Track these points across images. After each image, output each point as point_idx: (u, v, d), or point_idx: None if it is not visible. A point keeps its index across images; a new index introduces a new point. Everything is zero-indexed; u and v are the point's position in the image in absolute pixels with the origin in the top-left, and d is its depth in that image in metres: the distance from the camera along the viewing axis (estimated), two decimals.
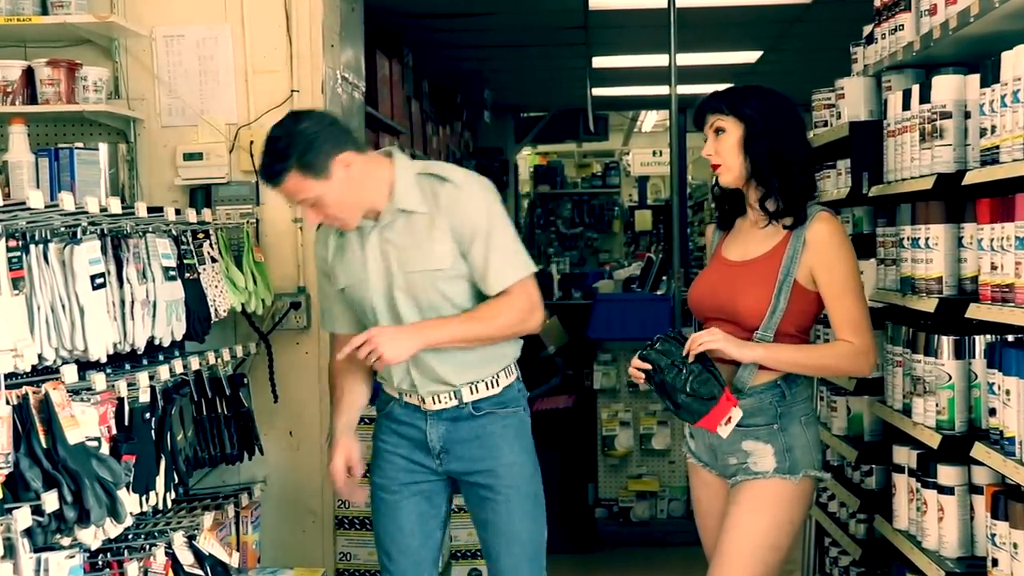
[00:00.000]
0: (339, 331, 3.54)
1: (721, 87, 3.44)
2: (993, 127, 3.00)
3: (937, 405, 3.38)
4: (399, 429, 3.48)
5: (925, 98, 3.45)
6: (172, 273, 3.67)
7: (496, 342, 3.39)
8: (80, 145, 4.09)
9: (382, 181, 3.33)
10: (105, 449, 3.11)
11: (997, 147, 2.97)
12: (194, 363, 3.85)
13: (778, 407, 3.30)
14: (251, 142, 4.48)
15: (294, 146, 3.19)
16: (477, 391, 3.43)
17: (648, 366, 3.25)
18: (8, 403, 2.78)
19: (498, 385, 3.45)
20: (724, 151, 3.33)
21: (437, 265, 3.32)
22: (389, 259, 3.35)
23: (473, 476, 3.46)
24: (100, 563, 3.39)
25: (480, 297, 3.38)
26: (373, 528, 3.56)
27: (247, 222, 4.40)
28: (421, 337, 3.29)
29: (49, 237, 3.13)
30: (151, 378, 3.49)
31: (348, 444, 3.49)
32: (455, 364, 3.38)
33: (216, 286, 4.02)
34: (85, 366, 3.27)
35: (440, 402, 3.42)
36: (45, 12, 4.22)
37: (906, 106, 3.62)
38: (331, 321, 3.57)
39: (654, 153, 15.89)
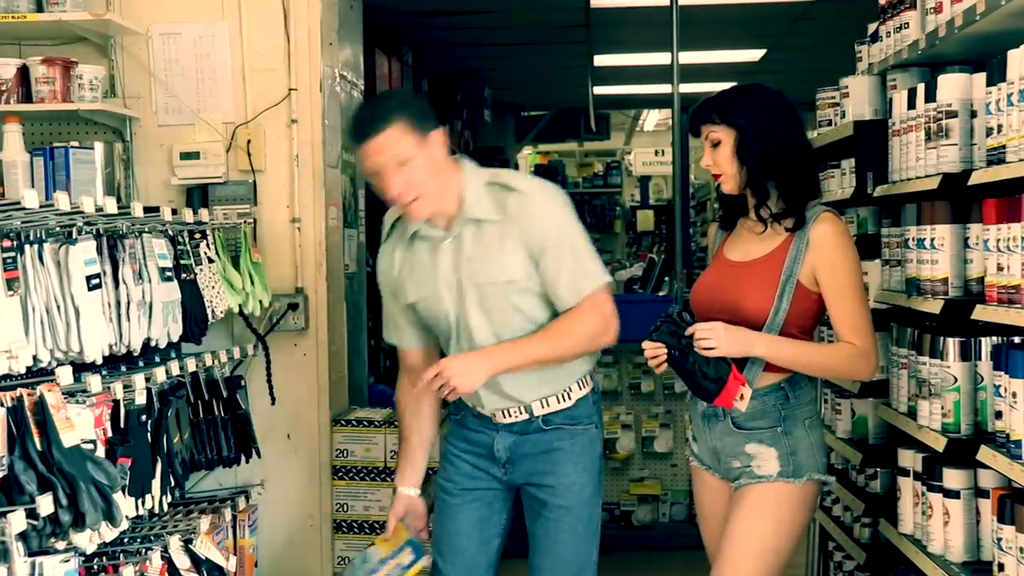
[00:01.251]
0: (404, 346, 3.50)
1: (724, 86, 3.43)
2: (999, 126, 3.00)
3: (943, 408, 3.37)
4: (469, 436, 3.47)
5: (930, 97, 3.45)
6: (168, 274, 3.67)
7: (569, 361, 3.35)
8: (75, 144, 4.10)
9: (452, 187, 3.27)
10: (100, 452, 3.11)
11: (1003, 146, 2.97)
12: (191, 365, 3.85)
13: (782, 410, 3.30)
14: (248, 141, 4.49)
15: (403, 101, 3.27)
16: (548, 405, 3.39)
17: (663, 347, 3.24)
18: (2, 405, 2.78)
19: (570, 398, 3.41)
20: (721, 161, 3.32)
21: (509, 276, 3.27)
22: (460, 271, 3.29)
23: (533, 488, 3.44)
24: (95, 567, 3.39)
25: (552, 308, 3.33)
26: (433, 527, 3.57)
27: (244, 222, 4.40)
28: (492, 364, 3.26)
29: (44, 237, 3.13)
30: (147, 380, 3.48)
31: (411, 504, 3.55)
32: (524, 383, 3.35)
33: (213, 287, 4.02)
34: (80, 368, 3.27)
35: (510, 416, 3.40)
36: (40, 9, 4.22)
37: (911, 105, 3.62)
38: (395, 335, 3.51)
39: (656, 152, 15.88)
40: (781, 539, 3.28)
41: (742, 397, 3.22)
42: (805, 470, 3.30)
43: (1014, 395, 2.96)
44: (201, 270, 3.97)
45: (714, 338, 3.20)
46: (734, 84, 3.47)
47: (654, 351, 3.25)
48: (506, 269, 3.26)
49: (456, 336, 3.35)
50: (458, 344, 3.36)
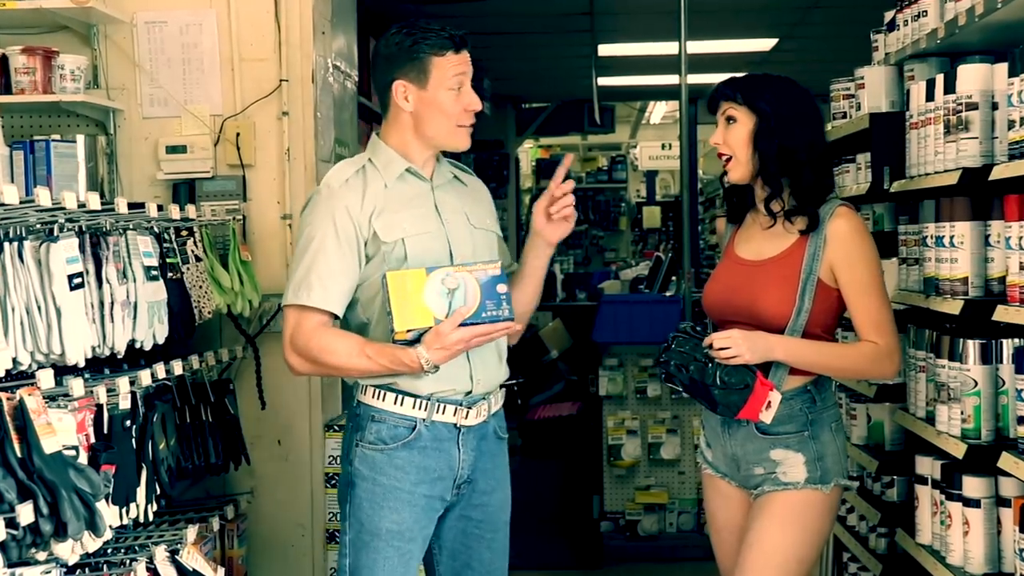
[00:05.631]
0: (332, 309, 3.20)
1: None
2: (1022, 119, 3.01)
3: (962, 413, 3.38)
4: (423, 461, 3.24)
5: (950, 88, 3.45)
6: (154, 273, 3.67)
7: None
8: (57, 137, 4.11)
9: None
10: (83, 458, 3.11)
11: None
12: (177, 368, 3.85)
13: (808, 413, 3.31)
14: (237, 134, 4.49)
15: None
16: (498, 401, 3.37)
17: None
18: None
19: (503, 398, 3.41)
20: (733, 142, 3.33)
21: (495, 229, 3.42)
22: (462, 212, 3.35)
23: (478, 510, 3.35)
24: None
25: None
26: None
27: (233, 219, 4.40)
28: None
29: (24, 234, 3.14)
30: (132, 383, 3.49)
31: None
32: (490, 364, 3.31)
33: (200, 286, 4.02)
34: (62, 371, 3.28)
35: (480, 415, 3.28)
36: None
37: (930, 96, 3.63)
38: (324, 295, 3.18)
39: (663, 146, 15.86)
40: (806, 549, 3.29)
41: (769, 406, 3.22)
42: (832, 476, 3.31)
43: None
44: (188, 269, 3.97)
45: (733, 346, 3.20)
46: (764, 72, 3.47)
47: None
48: (489, 223, 3.42)
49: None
50: None
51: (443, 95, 3.24)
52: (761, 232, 3.39)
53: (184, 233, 4.02)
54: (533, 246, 3.37)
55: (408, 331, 3.11)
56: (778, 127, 3.28)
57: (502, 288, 3.14)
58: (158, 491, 3.60)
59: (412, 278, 3.12)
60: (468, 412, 3.26)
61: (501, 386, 3.38)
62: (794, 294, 3.27)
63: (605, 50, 9.52)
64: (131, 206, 3.64)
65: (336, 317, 3.26)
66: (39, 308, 3.12)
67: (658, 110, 15.39)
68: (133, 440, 3.45)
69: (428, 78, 3.23)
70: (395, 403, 3.23)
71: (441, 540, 3.35)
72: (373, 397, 3.25)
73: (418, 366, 3.12)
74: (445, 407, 3.24)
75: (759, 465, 3.34)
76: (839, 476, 3.32)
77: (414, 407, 3.23)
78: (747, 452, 3.35)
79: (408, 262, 3.20)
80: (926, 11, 3.85)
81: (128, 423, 3.42)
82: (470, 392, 3.26)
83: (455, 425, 3.26)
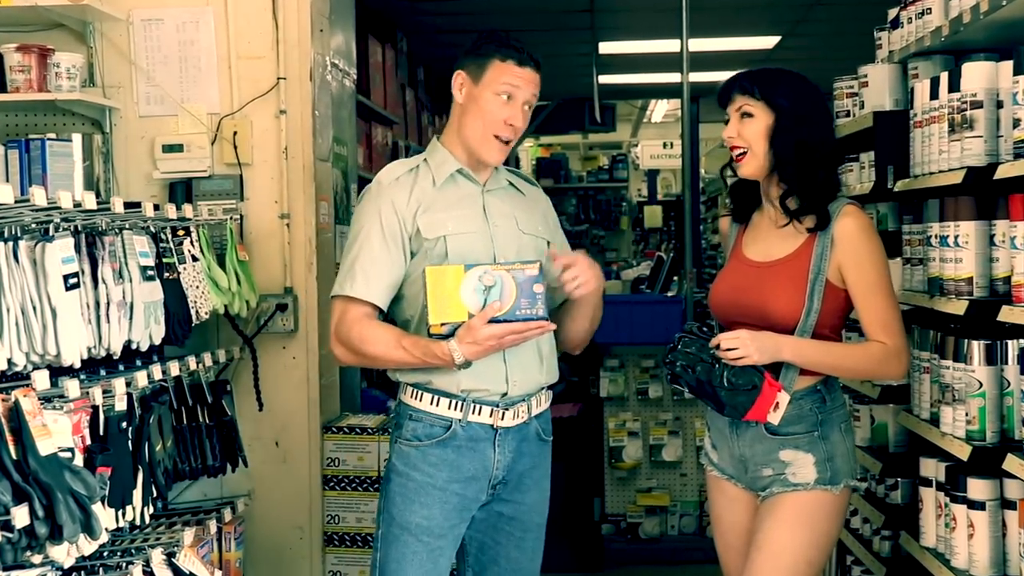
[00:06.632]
0: (374, 300, 3.30)
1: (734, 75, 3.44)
2: None
3: (967, 414, 3.38)
4: (457, 460, 3.30)
5: (954, 86, 3.45)
6: (150, 273, 3.67)
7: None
8: (52, 136, 4.11)
9: None
10: (79, 460, 3.11)
11: None
12: (174, 369, 3.85)
13: (819, 413, 3.31)
14: (234, 133, 4.49)
15: None
16: (541, 403, 3.40)
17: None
18: None
19: (549, 399, 3.44)
20: (749, 136, 3.32)
21: (547, 236, 3.46)
22: (511, 218, 3.40)
23: (509, 506, 3.38)
24: None
25: None
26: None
27: (230, 218, 4.40)
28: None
29: (19, 234, 3.14)
30: (128, 385, 3.48)
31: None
32: (529, 365, 3.33)
33: (197, 286, 4.02)
34: (58, 372, 3.27)
35: (518, 416, 3.33)
36: None
37: (934, 95, 3.62)
38: (366, 286, 3.29)
39: (665, 145, 15.86)
40: (816, 551, 3.29)
41: (777, 407, 3.22)
42: (842, 476, 3.31)
43: None
44: (185, 269, 3.97)
45: (741, 346, 3.20)
46: (778, 67, 3.47)
47: None
48: (540, 229, 3.45)
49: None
50: None
51: (488, 96, 3.31)
52: (769, 232, 3.39)
53: (181, 233, 4.02)
54: None
55: (442, 325, 3.19)
56: (795, 124, 3.28)
57: (539, 288, 3.18)
58: (154, 493, 3.60)
59: (451, 274, 3.19)
60: (504, 414, 3.31)
61: (549, 388, 3.43)
62: (803, 295, 3.27)
63: (606, 48, 9.53)
64: (127, 205, 3.65)
65: (381, 311, 3.34)
66: (34, 308, 3.12)
67: (659, 108, 15.40)
68: (129, 442, 3.45)
69: (483, 75, 3.32)
70: (431, 403, 3.30)
71: (471, 531, 3.40)
72: (411, 397, 3.34)
73: (449, 360, 3.18)
74: (481, 408, 3.29)
75: (768, 466, 3.34)
76: (848, 477, 3.33)
77: (450, 407, 3.29)
78: (756, 453, 3.35)
79: (449, 260, 3.28)
80: (930, 8, 3.85)
81: (124, 425, 3.42)
82: (506, 394, 3.31)
83: (491, 426, 3.31)
